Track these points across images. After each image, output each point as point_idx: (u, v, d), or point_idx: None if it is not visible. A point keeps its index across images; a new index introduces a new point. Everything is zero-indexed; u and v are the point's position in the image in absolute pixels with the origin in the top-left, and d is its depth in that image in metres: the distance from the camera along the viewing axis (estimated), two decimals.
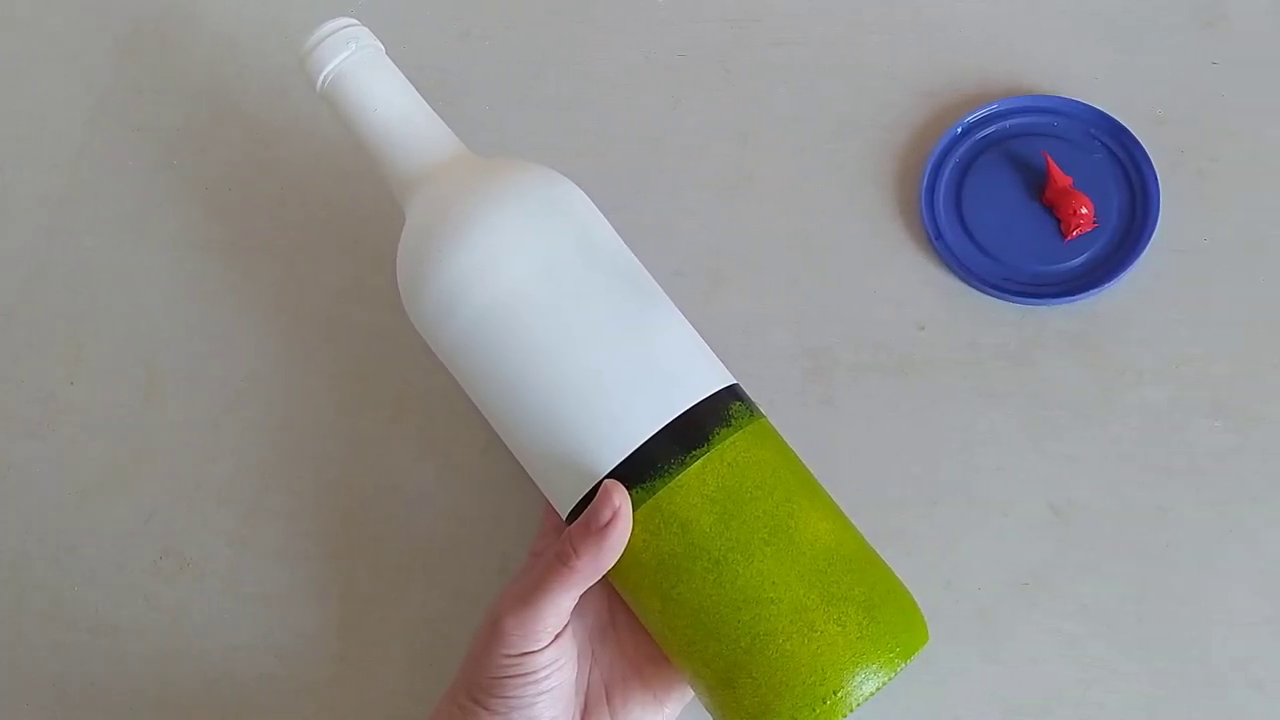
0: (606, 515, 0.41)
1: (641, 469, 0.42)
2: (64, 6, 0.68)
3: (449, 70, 0.63)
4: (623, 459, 0.42)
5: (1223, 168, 0.56)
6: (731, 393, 0.45)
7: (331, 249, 0.60)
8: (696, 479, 0.42)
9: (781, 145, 0.59)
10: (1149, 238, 0.54)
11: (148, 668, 0.55)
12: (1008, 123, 0.57)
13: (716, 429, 0.43)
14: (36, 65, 0.67)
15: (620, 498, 0.41)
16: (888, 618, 0.41)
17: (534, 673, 0.41)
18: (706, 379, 0.44)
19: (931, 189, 0.56)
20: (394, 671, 0.53)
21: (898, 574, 0.44)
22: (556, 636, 0.42)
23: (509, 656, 0.41)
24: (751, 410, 0.45)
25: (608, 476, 0.42)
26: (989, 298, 0.54)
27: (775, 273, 0.57)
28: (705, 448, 0.42)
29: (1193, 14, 0.59)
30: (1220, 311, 0.53)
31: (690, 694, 0.46)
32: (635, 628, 0.46)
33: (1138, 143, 0.55)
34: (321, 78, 0.47)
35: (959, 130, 0.57)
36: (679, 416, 0.42)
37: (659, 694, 0.45)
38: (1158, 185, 0.54)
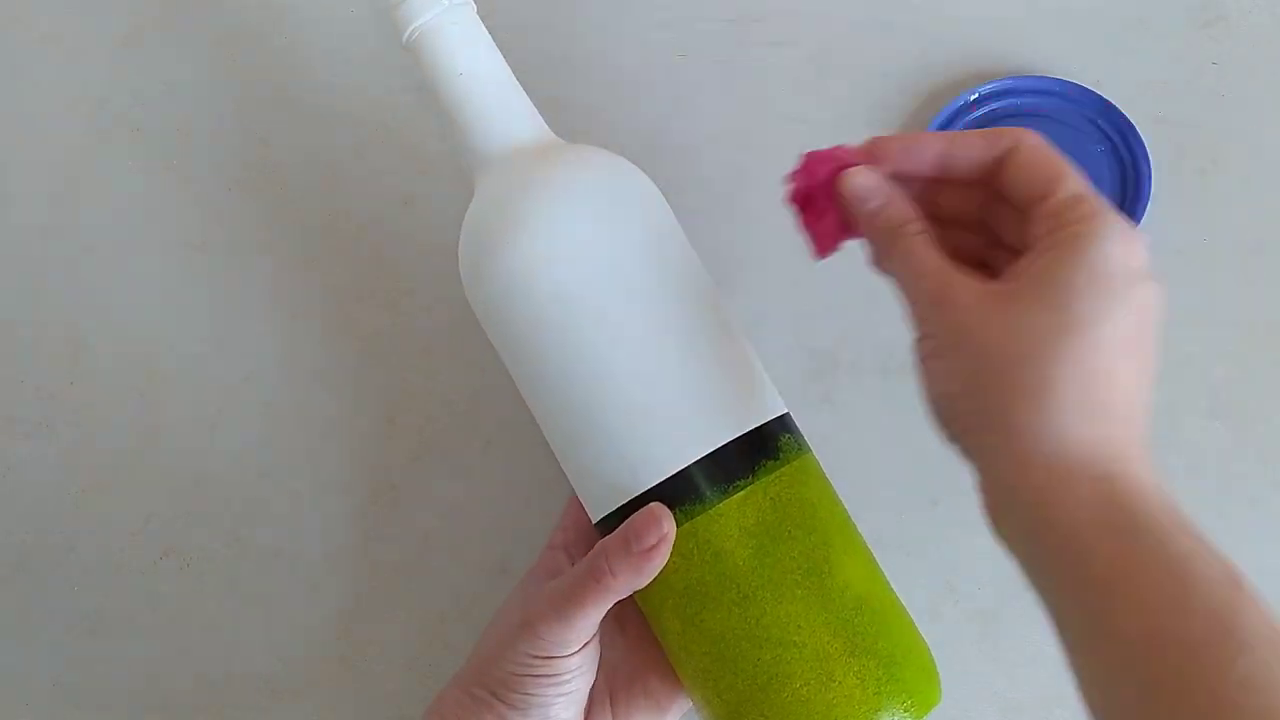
0: (651, 540, 0.40)
1: (682, 491, 0.41)
2: (64, 6, 0.68)
3: None
4: (665, 478, 0.41)
5: (1223, 168, 0.56)
6: (782, 423, 0.44)
7: (331, 249, 0.60)
8: (737, 510, 0.41)
9: (781, 145, 0.59)
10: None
11: (148, 668, 0.55)
12: (1004, 102, 0.58)
13: (763, 461, 0.42)
14: (36, 65, 0.67)
15: (669, 525, 0.40)
16: (906, 676, 0.41)
17: (559, 675, 0.41)
18: (760, 407, 0.43)
19: None
20: (394, 671, 0.53)
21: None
22: (585, 644, 0.42)
23: (536, 658, 0.41)
24: (799, 444, 0.44)
25: (648, 493, 0.41)
26: None
27: (775, 273, 0.57)
28: (749, 479, 0.41)
29: (1191, 14, 0.59)
30: (1220, 311, 0.54)
31: (690, 704, 0.46)
32: (643, 635, 0.46)
33: (1139, 137, 0.55)
34: (409, 30, 0.45)
35: (954, 109, 0.58)
36: (728, 443, 0.41)
37: (662, 703, 0.45)
38: (1150, 183, 0.55)
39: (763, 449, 0.42)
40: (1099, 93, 0.57)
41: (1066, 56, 0.59)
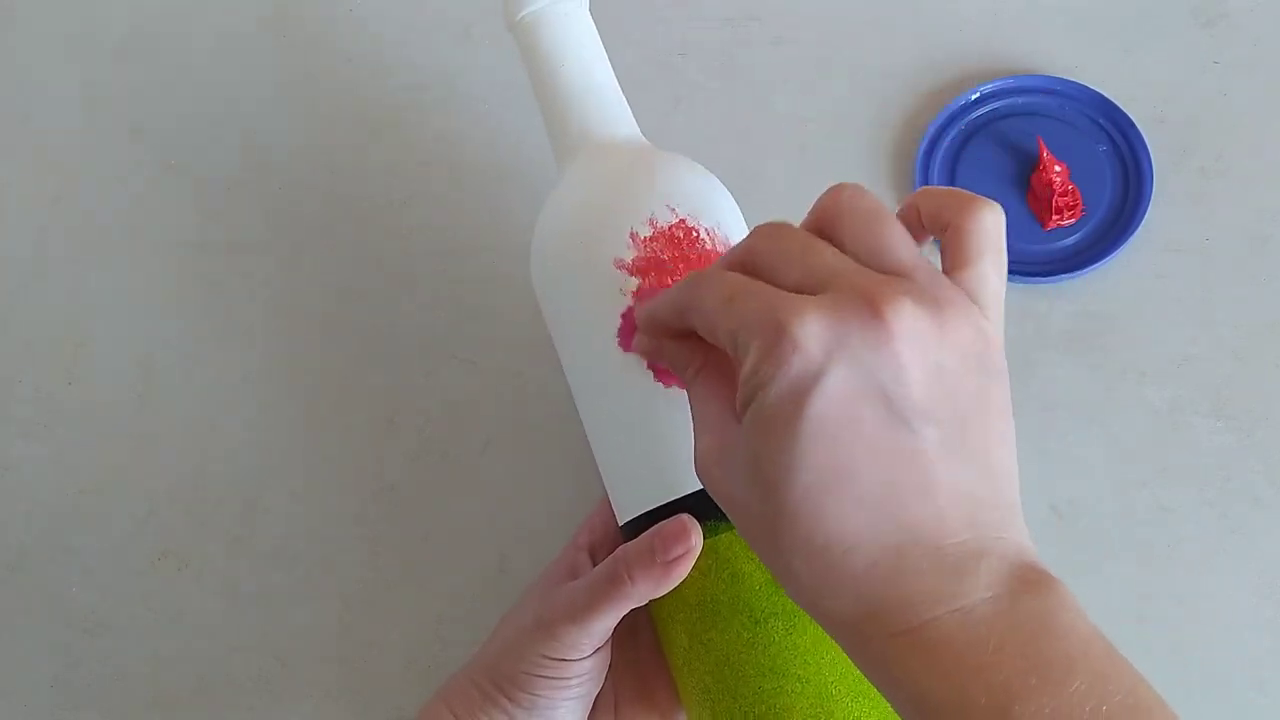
0: (676, 552, 0.39)
1: (709, 505, 0.40)
2: (63, 6, 0.68)
3: (449, 70, 0.63)
4: (696, 489, 0.40)
5: (1224, 167, 0.56)
6: None
7: (331, 249, 0.60)
8: None
9: (781, 145, 0.59)
10: (1134, 230, 0.54)
11: (146, 668, 0.54)
12: (1005, 101, 0.58)
13: None
14: (35, 64, 0.67)
15: (696, 538, 0.40)
16: None
17: (568, 678, 0.41)
18: None
19: (926, 167, 0.57)
20: (393, 671, 0.53)
21: None
22: (597, 649, 0.41)
23: (548, 658, 0.41)
24: None
25: (677, 503, 0.41)
26: None
27: None
28: None
29: (1193, 13, 0.59)
30: (1220, 311, 0.53)
31: None
32: (655, 645, 0.45)
33: (1140, 136, 0.55)
34: (522, 13, 0.45)
35: (957, 107, 0.58)
36: None
37: (667, 715, 0.45)
38: (1151, 182, 0.55)
39: None
40: (1101, 92, 0.56)
41: (1068, 55, 0.58)
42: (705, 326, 0.32)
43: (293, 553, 0.55)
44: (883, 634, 0.29)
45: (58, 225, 0.63)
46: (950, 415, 0.30)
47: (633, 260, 0.41)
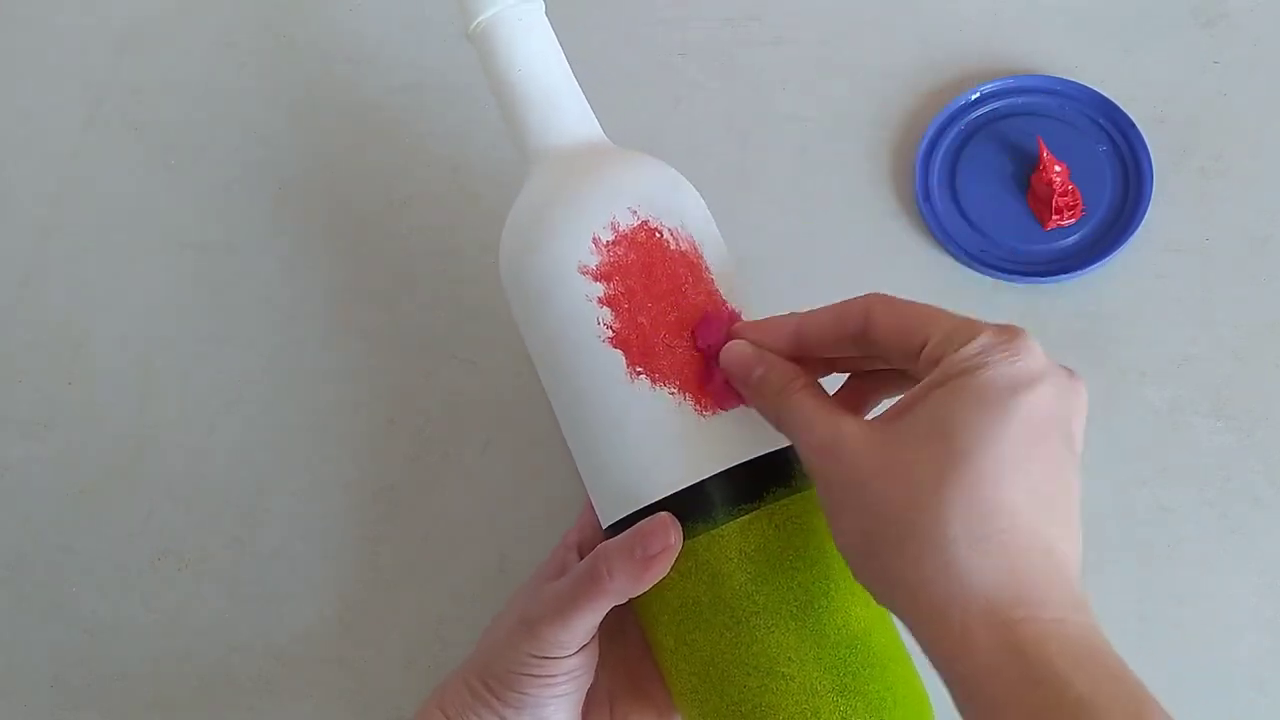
0: (655, 548, 0.40)
1: (688, 507, 0.40)
2: (64, 5, 0.68)
3: (449, 70, 0.63)
4: (671, 492, 0.40)
5: (1224, 167, 0.56)
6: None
7: (331, 249, 0.60)
8: (739, 533, 0.40)
9: (781, 145, 0.59)
10: (1134, 230, 0.54)
11: (145, 668, 0.54)
12: (1005, 101, 0.58)
13: (772, 487, 0.41)
14: (36, 63, 0.67)
15: (676, 536, 0.40)
16: None
17: (554, 676, 0.41)
18: (779, 433, 0.42)
19: (926, 166, 0.57)
20: (393, 672, 0.53)
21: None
22: (582, 646, 0.42)
23: (534, 657, 0.41)
24: None
25: (654, 505, 0.40)
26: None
27: (776, 273, 0.56)
28: (756, 504, 0.40)
29: (1193, 13, 0.59)
30: (1220, 311, 0.53)
31: None
32: (645, 638, 0.45)
33: (1140, 136, 0.55)
34: (475, 22, 0.45)
35: (957, 107, 0.58)
36: (739, 465, 0.40)
37: (663, 711, 0.45)
38: (1151, 182, 0.55)
39: (775, 475, 0.41)
40: (1101, 92, 0.57)
41: (1068, 55, 0.58)
42: (899, 326, 0.37)
43: (293, 553, 0.55)
44: (1026, 615, 0.32)
45: (57, 225, 0.63)
46: (1079, 476, 0.35)
47: (597, 265, 0.41)
